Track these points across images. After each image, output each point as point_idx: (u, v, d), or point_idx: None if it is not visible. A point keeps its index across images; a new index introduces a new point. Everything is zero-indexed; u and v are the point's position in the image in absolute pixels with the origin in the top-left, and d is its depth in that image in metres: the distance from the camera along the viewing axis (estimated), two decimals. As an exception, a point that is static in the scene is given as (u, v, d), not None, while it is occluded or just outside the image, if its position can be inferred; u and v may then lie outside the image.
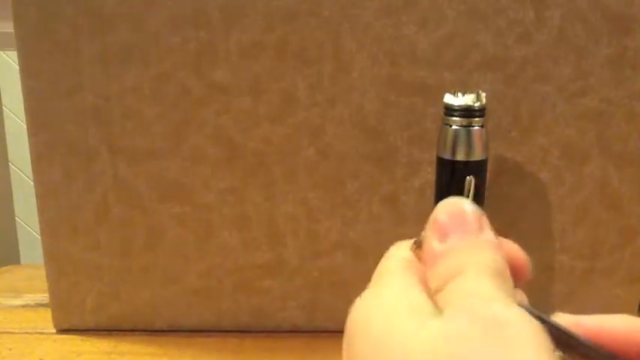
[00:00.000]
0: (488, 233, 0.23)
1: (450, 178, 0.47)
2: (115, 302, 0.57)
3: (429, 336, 0.19)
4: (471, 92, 0.46)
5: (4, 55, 1.46)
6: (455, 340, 0.19)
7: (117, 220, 0.54)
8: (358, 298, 0.23)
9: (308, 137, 0.52)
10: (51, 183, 0.53)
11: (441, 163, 0.47)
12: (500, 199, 0.53)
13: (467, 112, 0.46)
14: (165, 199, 0.54)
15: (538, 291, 0.54)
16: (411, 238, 0.26)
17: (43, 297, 0.60)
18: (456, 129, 0.46)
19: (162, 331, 0.57)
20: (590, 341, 0.22)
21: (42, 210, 0.54)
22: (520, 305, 0.20)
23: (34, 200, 0.54)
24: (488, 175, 0.49)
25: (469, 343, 0.18)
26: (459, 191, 0.47)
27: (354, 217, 0.54)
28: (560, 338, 0.21)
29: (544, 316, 0.21)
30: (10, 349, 0.54)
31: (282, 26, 0.50)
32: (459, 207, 0.24)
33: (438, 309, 0.21)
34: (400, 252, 0.25)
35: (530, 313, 0.20)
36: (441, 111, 0.47)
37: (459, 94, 0.46)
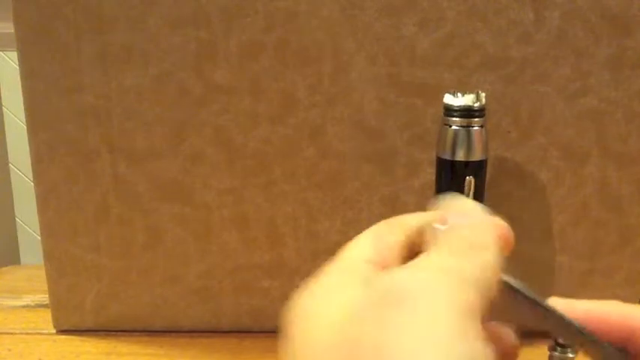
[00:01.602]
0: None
1: (450, 179, 0.47)
2: (115, 303, 0.57)
3: (337, 303, 0.20)
4: (471, 92, 0.46)
5: (4, 56, 1.46)
6: (348, 309, 0.20)
7: (117, 221, 0.54)
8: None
9: (308, 137, 0.52)
10: (51, 183, 0.53)
11: (441, 163, 0.47)
12: (500, 199, 0.53)
13: (466, 112, 0.46)
14: (165, 200, 0.54)
15: (538, 291, 0.54)
16: None
17: (43, 297, 0.60)
18: (455, 129, 0.46)
19: (162, 331, 0.57)
20: (583, 327, 0.23)
21: (42, 210, 0.54)
22: (509, 282, 0.22)
23: (34, 201, 0.54)
24: (488, 175, 0.49)
25: (359, 310, 0.19)
26: (459, 191, 0.47)
27: (354, 217, 0.54)
28: (554, 322, 0.22)
29: (538, 299, 0.22)
30: (10, 350, 0.54)
31: (282, 26, 0.50)
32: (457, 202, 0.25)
33: None
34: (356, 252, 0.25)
35: (521, 292, 0.21)
36: (441, 111, 0.47)
37: (459, 95, 0.46)
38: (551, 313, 0.22)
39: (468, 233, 0.23)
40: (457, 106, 0.46)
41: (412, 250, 0.24)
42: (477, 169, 0.47)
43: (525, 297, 0.22)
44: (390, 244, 0.24)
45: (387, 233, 0.25)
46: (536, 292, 0.22)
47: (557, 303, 0.24)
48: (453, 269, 0.20)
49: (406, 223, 0.26)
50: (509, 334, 0.24)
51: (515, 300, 0.22)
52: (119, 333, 0.57)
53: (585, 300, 0.25)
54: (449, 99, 0.46)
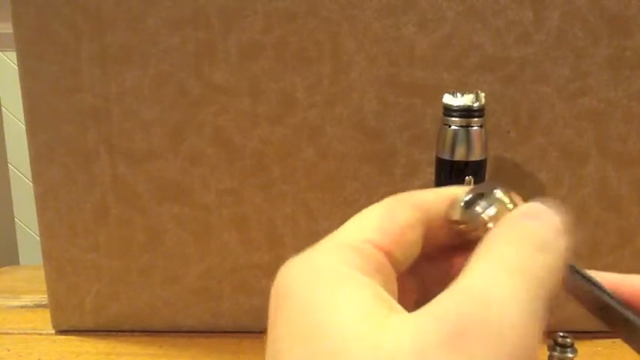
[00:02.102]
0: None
1: (449, 179, 0.47)
2: (114, 303, 0.57)
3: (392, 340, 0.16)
4: (470, 92, 0.46)
5: (3, 56, 1.46)
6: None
7: (116, 221, 0.54)
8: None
9: (307, 138, 0.52)
10: (50, 184, 0.53)
11: (440, 163, 0.47)
12: (500, 200, 0.53)
13: (466, 112, 0.46)
14: (164, 200, 0.54)
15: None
16: None
17: (42, 298, 0.60)
18: (455, 129, 0.46)
19: (162, 331, 0.57)
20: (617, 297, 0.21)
21: (41, 211, 0.54)
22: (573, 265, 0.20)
23: (33, 201, 0.53)
24: (487, 175, 0.49)
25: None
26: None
27: (353, 218, 0.54)
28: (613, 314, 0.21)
29: (601, 285, 0.21)
30: (9, 350, 0.54)
31: (282, 27, 0.50)
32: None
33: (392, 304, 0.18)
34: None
35: (585, 277, 0.20)
36: (440, 111, 0.47)
37: (458, 95, 0.46)
38: (613, 302, 0.21)
39: (538, 230, 0.19)
40: (456, 106, 0.46)
41: (430, 232, 0.22)
42: (477, 169, 0.47)
43: (588, 281, 0.21)
44: (400, 224, 0.21)
45: (397, 209, 0.21)
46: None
47: (612, 278, 0.22)
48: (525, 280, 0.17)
49: (421, 199, 0.22)
50: None
51: (576, 283, 0.21)
52: (118, 333, 0.57)
53: (612, 273, 0.22)
54: (448, 99, 0.46)
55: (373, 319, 0.17)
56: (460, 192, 0.22)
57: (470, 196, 0.21)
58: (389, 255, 0.20)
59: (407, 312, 0.18)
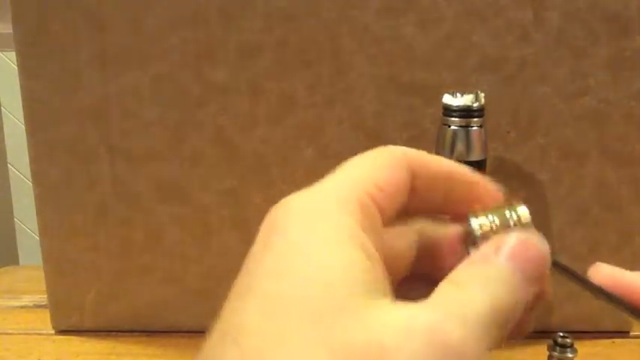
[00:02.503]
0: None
1: (449, 179, 0.47)
2: (114, 303, 0.56)
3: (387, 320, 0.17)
4: (470, 92, 0.46)
5: (3, 56, 1.46)
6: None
7: (116, 221, 0.54)
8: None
9: (307, 138, 0.52)
10: (50, 184, 0.53)
11: (440, 163, 0.47)
12: (499, 200, 0.53)
13: (465, 112, 0.46)
14: (164, 200, 0.54)
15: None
16: None
17: (42, 298, 0.60)
18: (454, 129, 0.46)
19: (162, 331, 0.57)
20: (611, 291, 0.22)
21: (41, 211, 0.54)
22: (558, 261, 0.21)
23: (32, 201, 0.53)
24: (487, 175, 0.49)
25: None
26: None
27: (353, 218, 0.54)
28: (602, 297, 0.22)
29: (585, 278, 0.22)
30: (9, 350, 0.54)
31: (281, 27, 0.50)
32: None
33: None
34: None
35: (569, 271, 0.22)
36: (440, 111, 0.47)
37: (458, 95, 0.46)
38: (598, 290, 0.22)
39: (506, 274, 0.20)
40: (456, 106, 0.46)
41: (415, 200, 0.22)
42: (476, 169, 0.47)
43: (573, 276, 0.21)
44: (398, 183, 0.22)
45: (397, 166, 0.22)
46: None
47: (604, 270, 0.23)
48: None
49: (421, 159, 0.23)
50: None
51: (562, 277, 0.22)
52: (118, 333, 0.57)
53: (609, 266, 0.23)
54: (448, 99, 0.46)
55: (363, 300, 0.18)
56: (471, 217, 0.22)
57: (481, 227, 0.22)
58: (382, 211, 0.21)
59: (393, 299, 0.19)
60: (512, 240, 0.20)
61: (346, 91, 0.51)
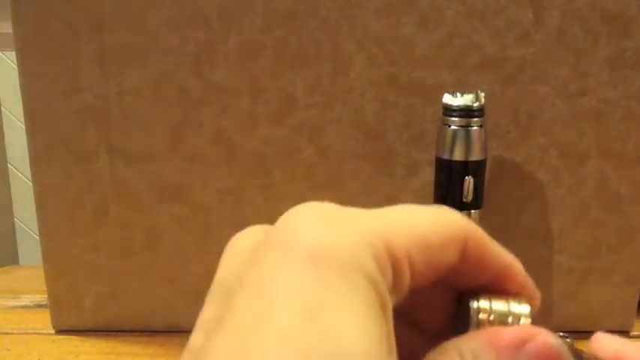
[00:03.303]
0: None
1: (449, 179, 0.47)
2: (114, 303, 0.57)
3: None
4: (470, 92, 0.46)
5: (3, 56, 1.46)
6: None
7: (116, 221, 0.54)
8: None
9: (307, 138, 0.52)
10: (50, 183, 0.53)
11: (440, 163, 0.47)
12: (499, 200, 0.53)
13: (466, 112, 0.46)
14: (164, 200, 0.54)
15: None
16: None
17: (42, 298, 0.60)
18: (454, 129, 0.46)
19: (162, 331, 0.57)
20: None
21: (41, 210, 0.54)
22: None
23: (32, 201, 0.54)
24: (487, 175, 0.49)
25: None
26: (458, 192, 0.47)
27: (353, 218, 0.54)
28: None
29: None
30: (9, 350, 0.54)
31: (281, 27, 0.50)
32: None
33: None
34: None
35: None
36: (440, 111, 0.47)
37: (458, 95, 0.46)
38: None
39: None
40: (456, 106, 0.46)
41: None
42: (476, 169, 0.47)
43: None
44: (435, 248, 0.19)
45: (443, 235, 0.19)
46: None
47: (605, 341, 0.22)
48: None
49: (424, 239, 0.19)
50: None
51: None
52: (118, 333, 0.57)
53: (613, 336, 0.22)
54: (448, 99, 0.46)
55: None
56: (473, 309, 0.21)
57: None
58: (408, 267, 0.19)
59: None
60: (537, 344, 0.20)
61: (346, 91, 0.51)
